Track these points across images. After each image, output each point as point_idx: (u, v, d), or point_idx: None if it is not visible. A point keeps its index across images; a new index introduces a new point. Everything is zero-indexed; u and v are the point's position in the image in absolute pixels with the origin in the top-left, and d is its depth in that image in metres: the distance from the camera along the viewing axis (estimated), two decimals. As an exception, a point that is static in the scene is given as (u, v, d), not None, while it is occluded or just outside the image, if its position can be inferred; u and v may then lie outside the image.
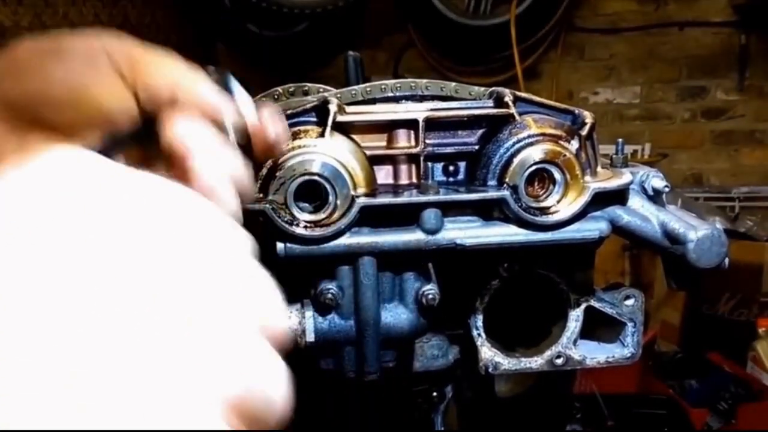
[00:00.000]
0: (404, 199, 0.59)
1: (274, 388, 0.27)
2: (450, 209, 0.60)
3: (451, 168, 0.66)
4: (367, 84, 0.66)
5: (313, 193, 0.58)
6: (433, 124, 0.63)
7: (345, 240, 0.59)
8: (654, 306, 3.03)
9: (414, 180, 0.64)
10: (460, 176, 0.66)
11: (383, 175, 0.64)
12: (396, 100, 0.66)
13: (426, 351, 0.69)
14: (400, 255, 0.60)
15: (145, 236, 0.26)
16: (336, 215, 0.57)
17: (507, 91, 0.64)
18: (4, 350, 0.22)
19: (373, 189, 0.60)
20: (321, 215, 0.58)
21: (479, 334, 0.67)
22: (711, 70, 3.59)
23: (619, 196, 0.64)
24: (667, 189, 0.67)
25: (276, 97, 0.74)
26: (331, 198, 0.57)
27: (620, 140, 0.73)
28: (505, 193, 0.59)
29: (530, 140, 0.60)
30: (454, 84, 0.68)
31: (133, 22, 2.67)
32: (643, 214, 0.65)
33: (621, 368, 0.72)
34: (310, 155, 0.57)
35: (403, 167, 0.64)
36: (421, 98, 0.67)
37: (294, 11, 3.00)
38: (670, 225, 0.64)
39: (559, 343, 0.67)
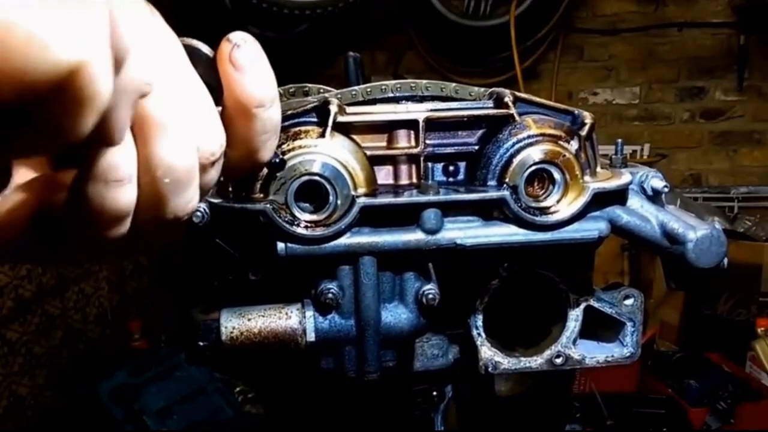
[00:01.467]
0: (404, 199, 0.60)
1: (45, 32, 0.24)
2: (450, 209, 0.61)
3: (451, 168, 0.66)
4: (368, 84, 0.66)
5: (313, 193, 0.58)
6: (433, 125, 0.63)
7: (345, 240, 0.59)
8: (653, 306, 3.03)
9: (414, 180, 0.64)
10: (460, 176, 0.66)
11: (383, 175, 0.64)
12: (396, 100, 0.66)
13: (426, 351, 0.69)
14: (401, 255, 0.61)
15: None
16: (336, 215, 0.58)
17: (507, 91, 0.64)
18: None
19: (374, 189, 0.60)
20: (321, 215, 0.58)
21: (479, 334, 0.67)
22: (710, 71, 3.60)
23: (618, 196, 0.64)
24: (666, 189, 0.67)
25: (276, 97, 0.74)
26: (331, 198, 0.57)
27: (619, 140, 0.74)
28: (505, 193, 0.59)
29: (530, 140, 0.60)
30: (454, 84, 0.68)
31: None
32: (642, 214, 0.65)
33: (620, 368, 0.73)
34: (311, 155, 0.57)
35: (404, 167, 0.64)
36: (421, 99, 0.67)
37: (294, 12, 3.00)
38: (670, 225, 0.64)
39: (558, 343, 0.68)
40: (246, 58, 0.38)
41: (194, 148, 0.36)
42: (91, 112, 0.27)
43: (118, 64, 0.28)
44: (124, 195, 0.34)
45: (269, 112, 0.40)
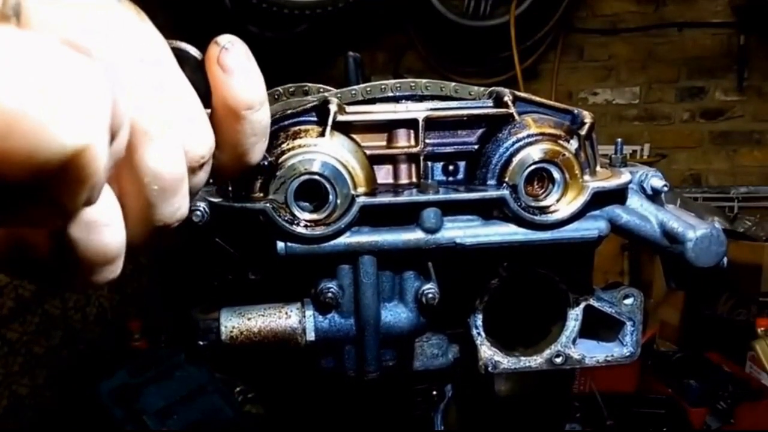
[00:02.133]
0: (404, 198, 0.60)
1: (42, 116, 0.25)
2: (450, 208, 0.61)
3: (451, 167, 0.66)
4: (367, 84, 0.66)
5: (313, 192, 0.58)
6: (432, 124, 0.63)
7: (345, 239, 0.59)
8: (653, 305, 3.03)
9: (414, 179, 0.64)
10: (460, 176, 0.66)
11: (383, 174, 0.64)
12: (396, 99, 0.66)
13: (426, 350, 0.69)
14: (400, 254, 0.61)
15: None
16: (336, 214, 0.58)
17: (506, 90, 0.64)
18: None
19: (373, 188, 0.60)
20: (321, 214, 0.58)
21: (479, 333, 0.67)
22: (710, 71, 3.60)
23: (618, 196, 0.64)
24: (666, 188, 0.67)
25: (276, 96, 0.74)
26: (331, 197, 0.57)
27: (619, 140, 0.74)
28: (505, 192, 0.59)
29: (529, 140, 0.60)
30: (453, 84, 0.68)
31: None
32: (642, 214, 0.65)
33: (620, 368, 0.73)
34: (311, 155, 0.57)
35: (403, 166, 0.64)
36: (421, 98, 0.67)
37: (294, 12, 3.00)
38: (669, 224, 0.64)
39: (558, 343, 0.68)
40: (234, 61, 0.38)
41: (182, 153, 0.36)
42: (90, 188, 0.28)
43: (113, 138, 0.29)
44: (110, 237, 0.34)
45: (258, 115, 0.40)
